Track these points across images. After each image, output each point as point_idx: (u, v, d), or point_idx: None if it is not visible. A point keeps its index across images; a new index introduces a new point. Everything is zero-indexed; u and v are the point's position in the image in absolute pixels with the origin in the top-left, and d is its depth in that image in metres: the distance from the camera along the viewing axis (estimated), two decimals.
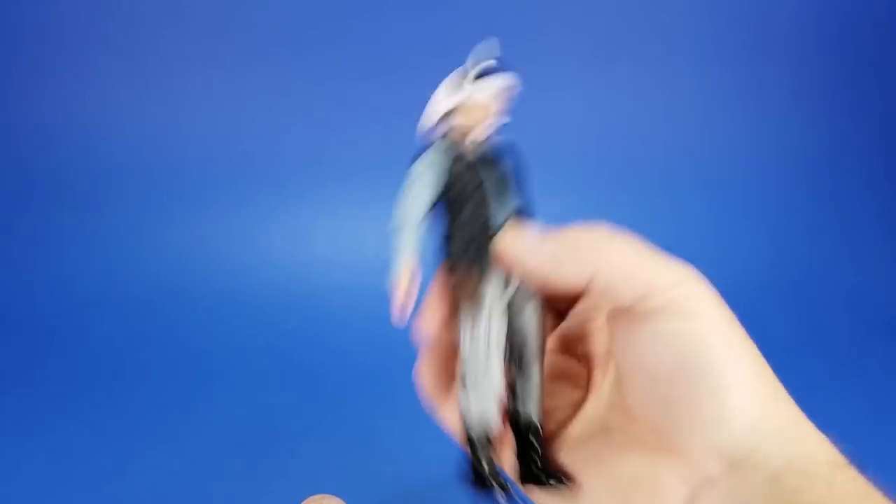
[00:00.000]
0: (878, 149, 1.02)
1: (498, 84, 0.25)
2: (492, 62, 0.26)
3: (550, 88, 0.96)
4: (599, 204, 0.95)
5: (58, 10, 0.89)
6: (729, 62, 0.98)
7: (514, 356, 0.26)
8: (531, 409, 0.25)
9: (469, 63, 0.26)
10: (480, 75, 0.25)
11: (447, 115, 0.25)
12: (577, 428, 0.26)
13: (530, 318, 0.26)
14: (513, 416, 0.26)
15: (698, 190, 0.98)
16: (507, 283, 0.26)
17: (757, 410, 0.21)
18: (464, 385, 0.25)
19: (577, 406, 0.27)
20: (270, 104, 0.93)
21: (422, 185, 0.26)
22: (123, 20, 0.90)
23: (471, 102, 0.25)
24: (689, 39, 0.97)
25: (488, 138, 0.26)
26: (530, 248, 0.23)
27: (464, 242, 0.25)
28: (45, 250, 0.88)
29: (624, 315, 0.23)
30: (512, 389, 0.26)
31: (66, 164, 0.92)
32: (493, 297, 0.25)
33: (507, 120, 0.26)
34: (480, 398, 0.25)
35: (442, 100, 0.25)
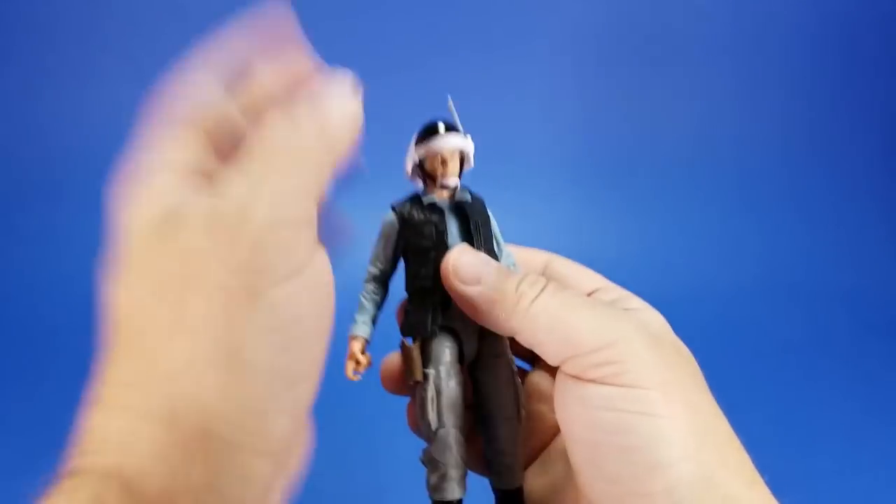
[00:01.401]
0: (878, 148, 1.02)
1: (461, 139, 0.26)
2: (455, 119, 0.26)
3: (550, 88, 0.96)
4: (599, 204, 0.95)
5: (56, 10, 0.89)
6: (728, 61, 0.98)
7: (481, 416, 0.26)
8: (506, 479, 0.25)
9: (453, 115, 0.26)
10: (448, 128, 0.26)
11: (419, 163, 0.26)
12: (534, 483, 0.26)
13: (497, 376, 0.25)
14: (493, 484, 0.26)
15: (698, 190, 0.98)
16: (468, 339, 0.26)
17: (692, 487, 0.19)
18: (426, 447, 0.25)
19: (533, 458, 0.27)
20: None
21: (389, 239, 0.26)
22: (123, 19, 0.90)
23: (440, 151, 0.25)
24: (689, 39, 0.97)
25: (456, 186, 0.26)
26: (470, 275, 0.23)
27: (420, 296, 0.25)
28: (45, 250, 0.88)
29: (560, 374, 0.22)
30: (485, 455, 0.26)
31: (65, 164, 0.92)
32: (444, 361, 0.25)
33: (469, 169, 0.27)
34: (434, 466, 0.24)
35: (413, 149, 0.26)
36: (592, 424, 0.21)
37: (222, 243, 0.17)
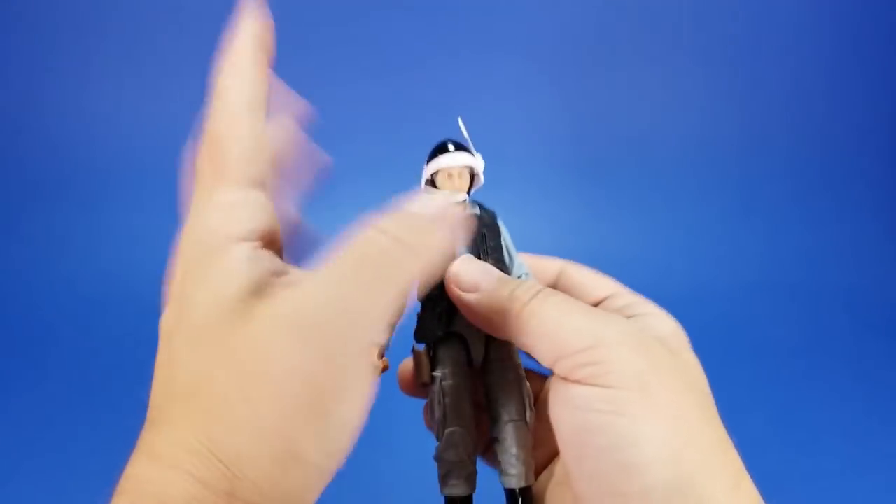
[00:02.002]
0: (878, 147, 1.02)
1: (469, 157, 0.27)
2: (466, 139, 0.28)
3: (550, 88, 0.96)
4: (599, 204, 0.95)
5: (57, 10, 0.89)
6: (728, 60, 0.98)
7: (490, 418, 0.27)
8: (512, 479, 0.25)
9: (464, 132, 0.28)
10: (458, 147, 0.27)
11: (432, 178, 0.28)
12: (542, 484, 0.27)
13: (503, 379, 0.26)
14: (502, 483, 0.26)
15: (698, 190, 0.98)
16: (474, 343, 0.27)
17: (668, 490, 0.19)
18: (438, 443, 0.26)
19: (547, 463, 0.28)
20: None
21: None
22: (123, 19, 0.90)
23: (448, 168, 0.27)
24: (688, 38, 0.97)
25: (464, 201, 0.27)
26: (469, 283, 0.24)
27: (429, 304, 0.27)
28: (45, 250, 0.88)
29: (552, 376, 0.23)
30: (496, 455, 0.26)
31: (65, 164, 0.92)
32: (450, 364, 0.26)
33: (479, 186, 0.28)
34: (443, 463, 0.25)
35: (427, 166, 0.28)
36: (575, 424, 0.21)
37: (296, 343, 0.18)
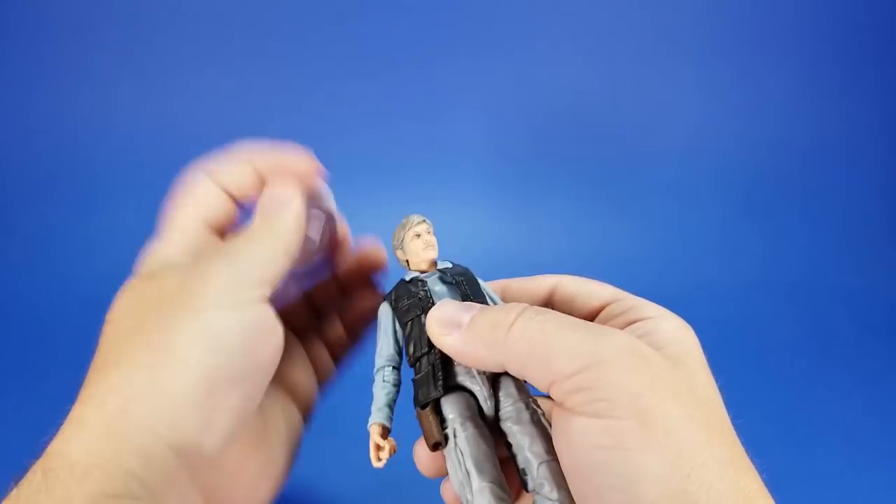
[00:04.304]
0: (878, 147, 1.02)
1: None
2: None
3: (551, 88, 0.96)
4: (599, 204, 0.95)
5: (55, 9, 0.89)
6: (728, 59, 0.98)
7: (520, 469, 0.24)
8: None
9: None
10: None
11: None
12: None
13: (521, 420, 0.24)
14: None
15: (698, 190, 0.98)
16: (481, 392, 0.25)
17: None
18: None
19: None
20: (270, 104, 0.93)
21: (386, 327, 0.28)
22: (122, 19, 0.90)
23: (414, 229, 0.28)
24: (688, 36, 0.97)
25: (435, 258, 0.28)
26: (449, 326, 0.24)
27: (422, 364, 0.26)
28: (45, 250, 0.88)
29: (553, 402, 0.22)
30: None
31: (65, 164, 0.92)
32: (460, 417, 0.24)
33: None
34: None
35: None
36: (576, 460, 0.20)
37: (186, 283, 0.23)
